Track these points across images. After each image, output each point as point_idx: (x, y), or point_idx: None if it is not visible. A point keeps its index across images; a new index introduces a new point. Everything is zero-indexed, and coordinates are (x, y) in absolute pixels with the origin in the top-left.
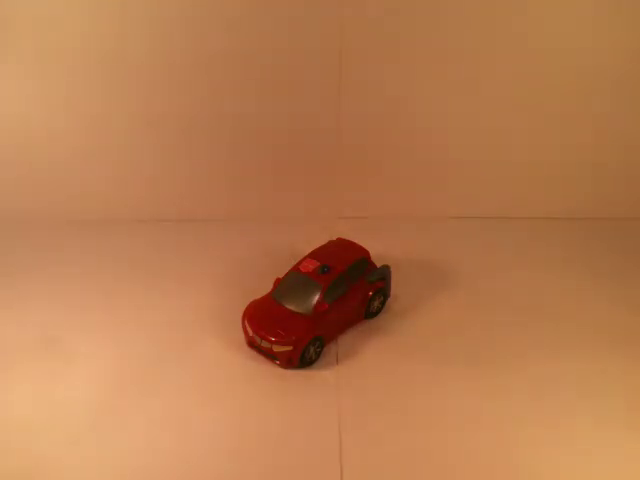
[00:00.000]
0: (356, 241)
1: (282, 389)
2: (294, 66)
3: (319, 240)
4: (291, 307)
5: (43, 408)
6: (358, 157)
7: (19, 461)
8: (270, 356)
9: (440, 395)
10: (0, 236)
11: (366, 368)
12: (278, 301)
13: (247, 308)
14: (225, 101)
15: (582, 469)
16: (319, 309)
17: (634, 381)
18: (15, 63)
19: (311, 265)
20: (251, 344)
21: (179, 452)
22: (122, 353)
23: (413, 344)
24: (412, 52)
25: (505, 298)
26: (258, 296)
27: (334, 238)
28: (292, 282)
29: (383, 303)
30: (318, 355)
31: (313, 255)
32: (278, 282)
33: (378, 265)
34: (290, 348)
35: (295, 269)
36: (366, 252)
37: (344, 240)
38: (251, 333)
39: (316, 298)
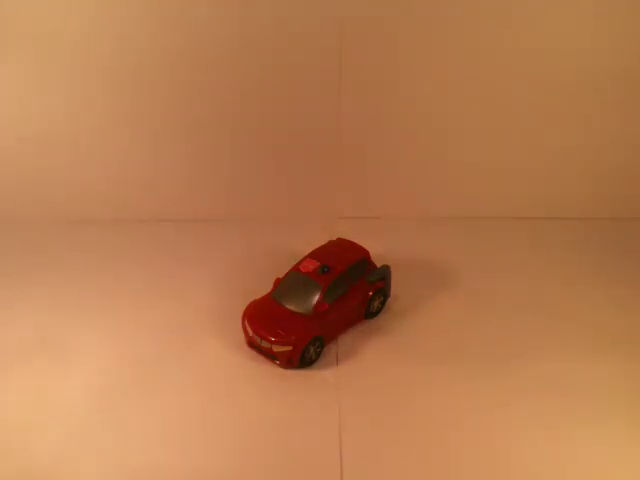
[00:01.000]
0: (356, 241)
1: (282, 389)
2: (294, 66)
3: (319, 240)
4: (291, 307)
5: (43, 408)
6: (358, 157)
7: (19, 461)
8: (270, 356)
9: (440, 395)
10: (0, 236)
11: (366, 368)
12: (278, 301)
13: (247, 308)
14: (225, 101)
15: (582, 469)
16: (319, 309)
17: (634, 381)
18: (15, 63)
19: (311, 265)
20: (251, 344)
21: (179, 452)
22: (122, 353)
23: (413, 344)
24: (412, 52)
25: (505, 298)
26: (258, 296)
27: (334, 238)
28: (292, 282)
29: (383, 303)
30: (318, 355)
31: (313, 255)
32: (278, 282)
33: (378, 265)
34: (290, 348)
35: (295, 269)
36: (366, 252)
37: (344, 240)
38: (251, 333)
39: (316, 298)
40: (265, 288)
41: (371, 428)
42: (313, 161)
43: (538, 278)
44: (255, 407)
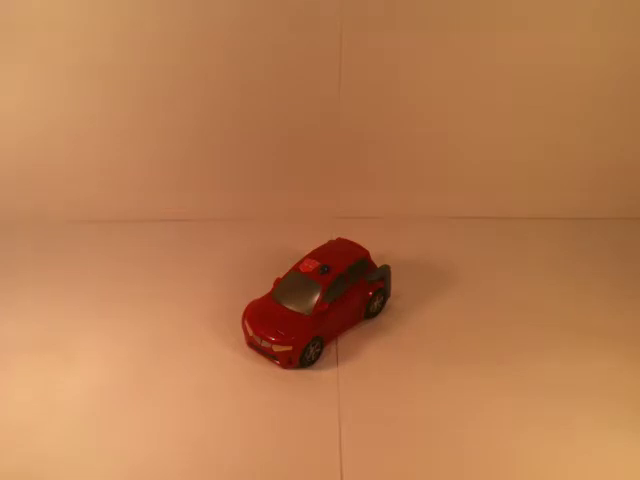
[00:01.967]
0: (356, 241)
1: (282, 389)
2: (294, 66)
3: (319, 240)
4: (291, 307)
5: (43, 408)
6: (358, 157)
7: (19, 461)
8: (270, 356)
9: (441, 394)
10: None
11: (366, 368)
12: (278, 301)
13: (247, 308)
14: (225, 101)
15: (583, 468)
16: (319, 309)
17: (635, 381)
18: (15, 63)
19: (311, 265)
20: (251, 344)
21: (179, 452)
22: (122, 353)
23: (413, 343)
24: (412, 52)
25: (505, 298)
26: (258, 296)
27: (334, 238)
28: (292, 282)
29: (383, 303)
30: (318, 355)
31: (313, 255)
32: (278, 282)
33: (378, 265)
34: (290, 348)
35: (295, 269)
36: (366, 252)
37: (344, 240)
38: (251, 333)
39: (316, 298)
40: (265, 288)
41: (371, 428)
42: (313, 161)
43: (539, 278)
44: (255, 407)
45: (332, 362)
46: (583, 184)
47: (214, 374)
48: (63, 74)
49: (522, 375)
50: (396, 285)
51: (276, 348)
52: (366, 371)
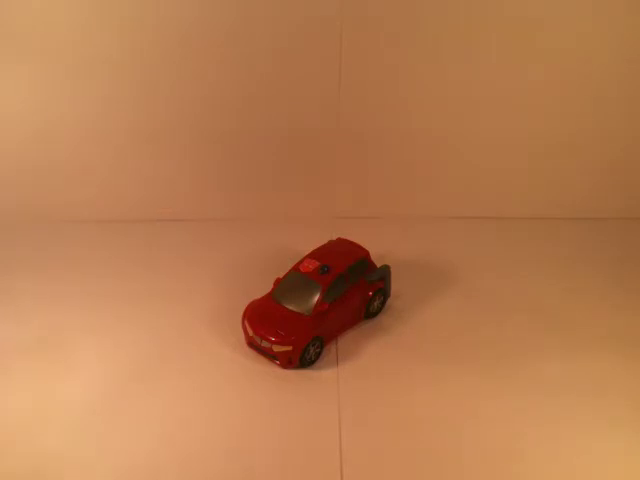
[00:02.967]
0: (356, 241)
1: (282, 389)
2: (294, 67)
3: (319, 240)
4: (291, 307)
5: (43, 408)
6: (358, 157)
7: (19, 461)
8: (270, 356)
9: (440, 394)
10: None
11: (366, 368)
12: (278, 301)
13: (247, 308)
14: (225, 101)
15: (583, 468)
16: (319, 309)
17: (634, 381)
18: (15, 63)
19: (311, 265)
20: (251, 344)
21: (179, 452)
22: (122, 353)
23: (413, 344)
24: (413, 53)
25: (505, 298)
26: (258, 296)
27: (334, 238)
28: (292, 282)
29: (383, 303)
30: (318, 355)
31: (313, 255)
32: (278, 282)
33: (378, 265)
34: (290, 348)
35: (295, 269)
36: (366, 252)
37: (344, 240)
38: (251, 333)
39: (316, 298)
40: (265, 288)
41: (371, 428)
42: (313, 161)
43: (539, 278)
44: (255, 407)
45: (332, 362)
46: (583, 184)
47: (214, 374)
48: (63, 73)
49: (522, 375)
50: (396, 285)
51: (276, 348)
52: (366, 371)
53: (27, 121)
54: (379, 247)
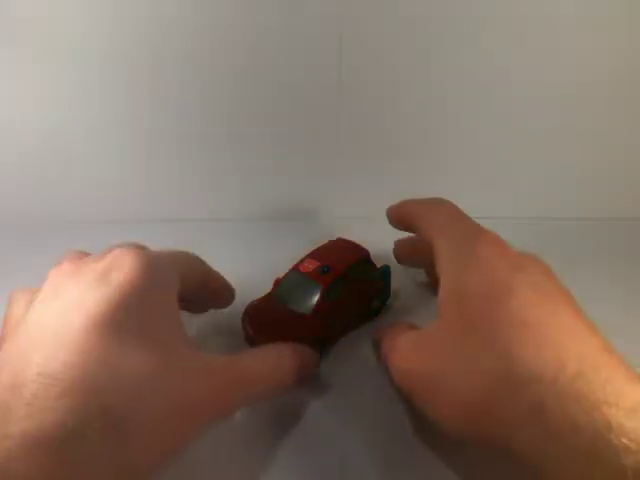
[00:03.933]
0: (356, 241)
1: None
2: (294, 66)
3: (319, 240)
4: (291, 307)
5: None
6: (358, 157)
7: None
8: None
9: None
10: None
11: (366, 368)
12: (278, 301)
13: (247, 308)
14: (225, 101)
15: None
16: (319, 309)
17: None
18: (15, 63)
19: (311, 265)
20: (251, 344)
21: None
22: None
23: None
24: (413, 53)
25: None
26: (258, 296)
27: (334, 238)
28: (292, 282)
29: (383, 303)
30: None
31: (313, 255)
32: (278, 282)
33: (378, 265)
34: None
35: (295, 269)
36: (366, 252)
37: (344, 240)
38: (251, 333)
39: (316, 298)
40: (265, 288)
41: (372, 427)
42: (313, 161)
43: None
44: (254, 406)
45: (332, 361)
46: (584, 184)
47: None
48: (62, 72)
49: None
50: (396, 285)
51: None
52: (366, 371)
53: (26, 120)
54: (379, 247)
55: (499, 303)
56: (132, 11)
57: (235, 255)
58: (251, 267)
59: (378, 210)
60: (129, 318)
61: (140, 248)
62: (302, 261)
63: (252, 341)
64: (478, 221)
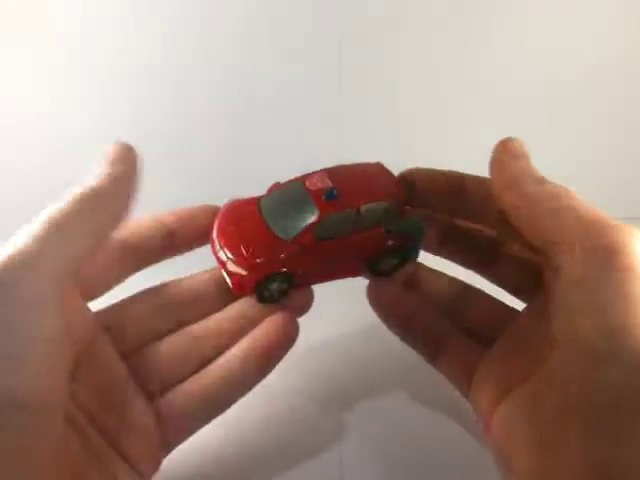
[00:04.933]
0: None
1: (282, 387)
2: (294, 64)
3: None
4: (271, 224)
5: None
6: (359, 156)
7: None
8: (224, 273)
9: (441, 386)
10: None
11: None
12: (261, 212)
13: (225, 204)
14: (224, 101)
15: None
16: (300, 240)
17: None
18: (15, 63)
19: (320, 183)
20: (212, 244)
21: (178, 451)
22: None
23: None
24: (413, 52)
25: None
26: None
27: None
28: (288, 195)
29: (402, 264)
30: (282, 294)
31: (330, 172)
32: (274, 188)
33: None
34: (244, 273)
35: (300, 180)
36: (401, 192)
37: (382, 169)
38: (214, 236)
39: (303, 225)
40: None
41: (372, 427)
42: (313, 160)
43: None
44: (254, 406)
45: (332, 360)
46: (584, 184)
47: None
48: (62, 72)
49: None
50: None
51: (230, 266)
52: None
53: (25, 120)
54: None
55: None
56: (132, 11)
57: None
58: None
59: None
60: None
61: None
62: (313, 174)
63: (213, 245)
64: None
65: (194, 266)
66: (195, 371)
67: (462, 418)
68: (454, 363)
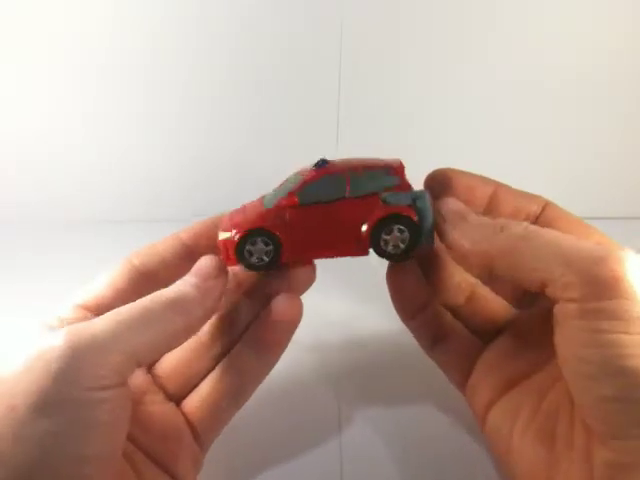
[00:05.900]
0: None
1: (282, 386)
2: (294, 64)
3: None
4: (264, 201)
5: None
6: (358, 156)
7: None
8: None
9: (441, 383)
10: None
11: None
12: (263, 203)
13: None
14: (224, 101)
15: None
16: (283, 202)
17: None
18: (15, 64)
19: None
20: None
21: None
22: None
23: (412, 340)
24: (413, 53)
25: None
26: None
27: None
28: (286, 184)
29: (412, 245)
30: (270, 258)
31: (348, 161)
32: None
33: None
34: (227, 235)
35: (301, 173)
36: (399, 165)
37: (396, 160)
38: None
39: (286, 191)
40: None
41: (372, 426)
42: (312, 160)
43: None
44: (254, 405)
45: (332, 360)
46: (584, 184)
47: None
48: (62, 72)
49: None
50: None
51: (220, 236)
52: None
53: (25, 120)
54: None
55: None
56: (131, 11)
57: None
58: None
59: None
60: None
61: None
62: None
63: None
64: None
65: None
66: (208, 370)
67: (462, 418)
68: (452, 354)
